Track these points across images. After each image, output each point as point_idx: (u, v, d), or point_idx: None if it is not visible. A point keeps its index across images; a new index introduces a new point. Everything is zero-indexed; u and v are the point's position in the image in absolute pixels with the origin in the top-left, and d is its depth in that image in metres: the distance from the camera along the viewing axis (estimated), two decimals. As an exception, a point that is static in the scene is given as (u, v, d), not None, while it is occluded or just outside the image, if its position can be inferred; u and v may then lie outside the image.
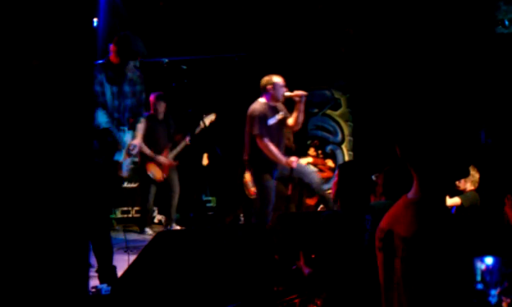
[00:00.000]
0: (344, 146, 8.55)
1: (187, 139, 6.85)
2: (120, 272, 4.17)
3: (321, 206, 7.47)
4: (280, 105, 5.75)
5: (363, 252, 2.98)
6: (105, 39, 4.77)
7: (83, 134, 2.07)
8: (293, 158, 5.69)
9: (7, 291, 1.85)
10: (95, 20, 4.04)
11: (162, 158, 6.91)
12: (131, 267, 3.81)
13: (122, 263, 4.41)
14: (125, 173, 4.36)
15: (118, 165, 4.30)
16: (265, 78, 5.70)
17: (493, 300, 1.53)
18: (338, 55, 8.10)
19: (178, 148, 6.98)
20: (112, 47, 4.25)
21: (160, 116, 6.97)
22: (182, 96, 5.90)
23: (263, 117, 5.55)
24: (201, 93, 6.97)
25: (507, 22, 6.80)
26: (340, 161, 8.30)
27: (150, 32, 6.37)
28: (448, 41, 7.11)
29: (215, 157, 7.61)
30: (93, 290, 3.87)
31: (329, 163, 8.21)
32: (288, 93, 5.71)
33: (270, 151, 5.50)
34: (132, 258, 4.16)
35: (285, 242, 4.41)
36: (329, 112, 8.62)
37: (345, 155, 8.54)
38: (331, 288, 3.07)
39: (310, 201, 7.67)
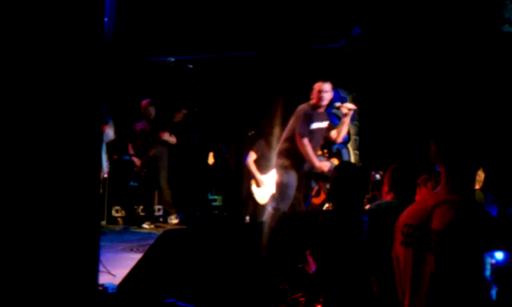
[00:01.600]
0: (349, 145, 8.54)
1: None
2: (125, 271, 4.19)
3: (326, 205, 7.48)
4: (325, 114, 5.83)
5: (360, 253, 2.99)
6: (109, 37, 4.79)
7: (94, 133, 2.09)
8: (326, 163, 5.79)
9: (17, 287, 1.87)
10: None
11: (134, 158, 7.22)
12: (137, 265, 3.82)
13: (128, 261, 4.42)
14: (105, 170, 4.42)
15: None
16: (317, 84, 5.76)
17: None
18: (344, 54, 8.09)
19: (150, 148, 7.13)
20: None
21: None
22: (188, 95, 5.91)
23: (308, 119, 5.64)
24: (207, 92, 6.98)
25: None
26: (346, 160, 8.29)
27: (157, 31, 6.39)
28: (454, 39, 7.09)
29: (221, 156, 7.62)
30: (100, 288, 3.88)
31: (335, 162, 8.19)
32: (339, 104, 5.83)
33: (306, 152, 5.59)
34: (138, 256, 4.18)
35: (290, 241, 4.41)
36: (335, 111, 8.60)
37: (351, 154, 8.52)
38: (328, 287, 3.08)
39: (316, 200, 7.68)
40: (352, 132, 8.56)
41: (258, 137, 7.03)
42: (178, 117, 6.44)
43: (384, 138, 7.81)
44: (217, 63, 7.27)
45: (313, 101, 5.74)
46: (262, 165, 6.84)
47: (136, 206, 7.82)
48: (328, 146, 8.26)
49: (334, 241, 3.04)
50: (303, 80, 6.31)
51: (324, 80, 5.78)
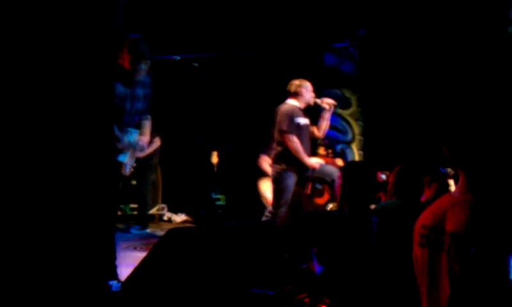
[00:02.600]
0: (354, 146, 8.53)
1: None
2: (129, 269, 4.18)
3: (330, 205, 7.47)
4: (303, 112, 5.83)
5: (369, 253, 2.98)
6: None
7: (106, 135, 2.11)
8: (316, 159, 5.77)
9: (34, 281, 1.88)
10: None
11: None
12: (142, 264, 3.81)
13: (132, 260, 4.42)
14: (126, 171, 4.36)
15: (122, 165, 4.30)
16: (296, 82, 5.81)
17: None
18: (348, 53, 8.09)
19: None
20: (123, 52, 4.21)
21: None
22: (194, 94, 5.91)
23: (292, 115, 5.62)
24: (213, 91, 6.98)
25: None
26: (350, 160, 8.28)
27: (162, 28, 6.39)
28: (460, 40, 7.07)
29: (225, 155, 7.62)
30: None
31: (339, 162, 8.18)
32: (318, 100, 5.82)
33: (296, 149, 5.54)
34: (142, 254, 4.17)
35: (295, 240, 4.40)
36: (339, 111, 8.59)
37: (356, 154, 8.51)
38: (335, 288, 3.07)
39: (319, 200, 7.66)
40: (356, 132, 8.55)
41: (268, 140, 6.99)
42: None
43: (389, 138, 7.79)
44: (222, 62, 7.27)
45: (302, 98, 5.74)
46: None
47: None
48: (332, 146, 8.26)
49: (343, 241, 3.04)
50: (307, 79, 6.28)
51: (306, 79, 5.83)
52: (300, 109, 5.75)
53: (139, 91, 4.28)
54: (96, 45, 2.03)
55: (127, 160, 4.32)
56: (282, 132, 5.58)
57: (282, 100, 5.93)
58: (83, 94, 1.98)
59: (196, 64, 5.43)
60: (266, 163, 6.77)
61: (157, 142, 6.82)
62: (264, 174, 6.84)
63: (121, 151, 4.25)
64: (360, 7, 7.66)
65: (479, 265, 1.82)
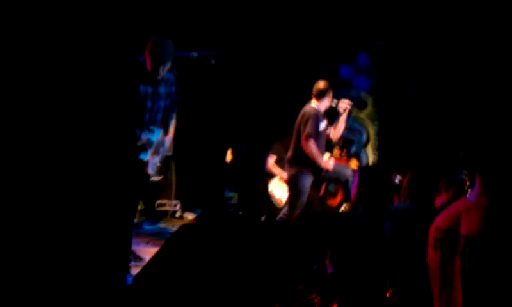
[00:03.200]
0: (369, 147, 8.49)
1: None
2: (141, 263, 4.21)
3: (343, 207, 7.45)
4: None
5: (380, 257, 2.97)
6: None
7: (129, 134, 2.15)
8: (331, 162, 5.80)
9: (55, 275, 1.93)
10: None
11: None
12: (154, 259, 3.84)
13: (144, 254, 4.46)
14: (150, 170, 4.36)
15: (144, 163, 4.30)
16: (322, 84, 5.79)
17: None
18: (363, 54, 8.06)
19: None
20: (145, 53, 4.20)
21: None
22: (210, 91, 5.93)
23: (317, 120, 5.66)
24: (229, 89, 6.99)
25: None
26: (364, 162, 8.24)
27: (179, 25, 6.41)
28: (478, 41, 7.02)
29: (239, 153, 7.63)
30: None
31: (354, 164, 8.15)
32: (335, 102, 5.83)
33: (313, 152, 5.58)
34: (154, 249, 4.20)
35: (307, 241, 4.41)
36: (354, 112, 8.55)
37: (370, 155, 8.47)
38: (345, 290, 3.07)
39: (332, 202, 7.64)
40: (372, 133, 8.51)
41: (275, 140, 7.00)
42: None
43: (404, 140, 7.76)
44: (239, 59, 7.27)
45: (325, 102, 5.73)
46: (281, 167, 6.81)
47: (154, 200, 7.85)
48: (346, 147, 8.23)
49: (354, 243, 3.03)
50: (323, 79, 6.27)
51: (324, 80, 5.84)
52: (322, 112, 5.77)
53: (162, 89, 4.29)
54: (117, 46, 2.07)
55: (149, 158, 4.32)
56: (305, 136, 5.57)
57: (298, 99, 5.93)
58: (104, 94, 2.01)
59: (214, 61, 5.45)
60: (272, 164, 6.79)
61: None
62: (271, 175, 6.86)
63: (143, 150, 4.25)
64: (374, 6, 7.62)
65: (493, 268, 1.82)
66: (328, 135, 5.94)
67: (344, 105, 5.92)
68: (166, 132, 4.46)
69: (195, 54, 5.37)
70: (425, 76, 7.61)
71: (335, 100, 5.89)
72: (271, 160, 6.82)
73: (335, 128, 5.97)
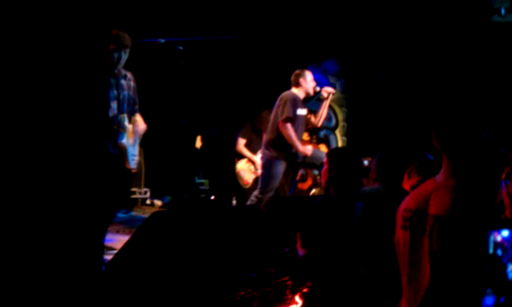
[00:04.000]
0: (337, 132, 8.57)
1: None
2: (112, 252, 4.19)
3: (313, 190, 7.51)
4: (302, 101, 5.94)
5: (352, 238, 3.02)
6: None
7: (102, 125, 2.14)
8: (309, 147, 5.88)
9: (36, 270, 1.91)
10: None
11: None
12: (125, 247, 3.82)
13: (115, 243, 4.43)
14: (132, 165, 4.43)
15: (124, 152, 4.35)
16: (297, 71, 5.90)
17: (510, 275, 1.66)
18: (333, 39, 8.09)
19: None
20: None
21: None
22: (178, 77, 5.89)
23: (295, 105, 5.71)
24: (198, 75, 6.95)
25: (503, 11, 6.81)
26: (334, 146, 8.31)
27: (147, 11, 6.34)
28: (443, 29, 7.11)
29: (209, 140, 7.61)
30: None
31: (323, 148, 8.22)
32: (318, 88, 5.90)
33: (290, 136, 5.63)
34: (125, 238, 4.19)
35: (278, 225, 4.44)
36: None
37: (339, 140, 8.55)
38: (318, 272, 3.11)
39: (303, 186, 7.70)
40: (340, 118, 8.58)
41: (244, 122, 7.02)
42: None
43: (372, 124, 7.84)
44: (208, 46, 7.23)
45: (302, 88, 5.80)
46: (250, 149, 6.85)
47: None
48: (315, 132, 8.29)
49: (326, 226, 3.06)
50: (291, 66, 6.30)
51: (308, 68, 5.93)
52: (300, 98, 5.83)
53: (122, 81, 4.41)
54: (94, 39, 2.07)
55: (126, 143, 4.36)
56: (283, 119, 5.62)
57: (267, 85, 5.97)
58: (82, 88, 2.01)
59: (181, 48, 5.41)
60: (242, 145, 6.85)
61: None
62: (240, 155, 6.90)
63: (121, 133, 4.33)
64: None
65: (460, 243, 1.87)
66: (308, 120, 6.01)
67: (327, 91, 6.02)
68: (133, 121, 4.56)
69: (162, 40, 5.33)
70: (393, 60, 7.69)
71: (318, 87, 5.96)
72: (242, 142, 6.87)
73: (317, 114, 6.05)
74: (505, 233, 1.72)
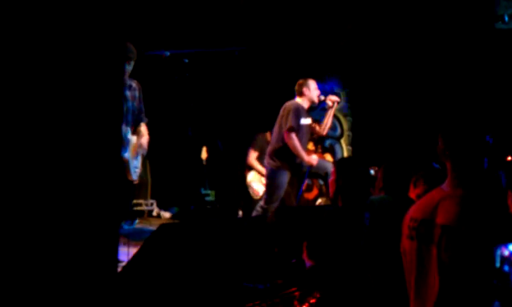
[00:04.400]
0: (342, 141, 8.57)
1: None
2: (120, 264, 4.20)
3: (319, 200, 7.51)
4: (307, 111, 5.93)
5: (360, 249, 3.02)
6: None
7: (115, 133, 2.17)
8: (314, 157, 5.84)
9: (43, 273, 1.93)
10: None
11: None
12: (133, 259, 3.84)
13: (122, 256, 4.43)
14: (134, 177, 4.43)
15: (126, 165, 4.36)
16: (301, 81, 5.89)
17: None
18: (337, 49, 8.12)
19: None
20: None
21: None
22: (184, 90, 5.92)
23: (298, 114, 5.69)
24: (204, 87, 6.99)
25: (507, 18, 6.82)
26: (339, 156, 8.31)
27: (152, 24, 6.39)
28: (447, 36, 7.13)
29: (215, 151, 7.63)
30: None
31: (328, 158, 8.22)
32: (322, 97, 5.91)
33: (295, 146, 5.61)
34: (133, 250, 4.19)
35: (285, 235, 4.44)
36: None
37: (344, 149, 8.55)
38: (327, 283, 3.11)
39: (309, 196, 7.71)
40: (345, 127, 8.59)
41: (256, 133, 7.01)
42: None
43: (377, 134, 7.84)
44: (214, 58, 7.27)
45: (306, 97, 5.80)
46: (262, 162, 6.83)
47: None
48: (320, 142, 8.29)
49: (335, 236, 3.07)
50: (296, 76, 6.32)
51: (313, 78, 5.92)
52: (305, 108, 5.82)
53: (127, 92, 4.42)
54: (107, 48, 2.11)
55: (128, 157, 4.36)
56: (287, 129, 5.62)
57: (272, 96, 5.98)
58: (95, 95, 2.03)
59: (187, 60, 5.45)
60: (253, 159, 6.82)
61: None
62: (250, 167, 6.89)
63: (123, 146, 4.35)
64: (348, 3, 7.67)
65: (468, 255, 1.87)
66: (313, 129, 6.00)
67: (332, 99, 6.01)
68: (137, 133, 4.57)
69: (168, 53, 5.36)
70: (398, 69, 7.70)
71: (322, 96, 5.96)
72: (253, 155, 6.84)
73: (322, 123, 6.03)
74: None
